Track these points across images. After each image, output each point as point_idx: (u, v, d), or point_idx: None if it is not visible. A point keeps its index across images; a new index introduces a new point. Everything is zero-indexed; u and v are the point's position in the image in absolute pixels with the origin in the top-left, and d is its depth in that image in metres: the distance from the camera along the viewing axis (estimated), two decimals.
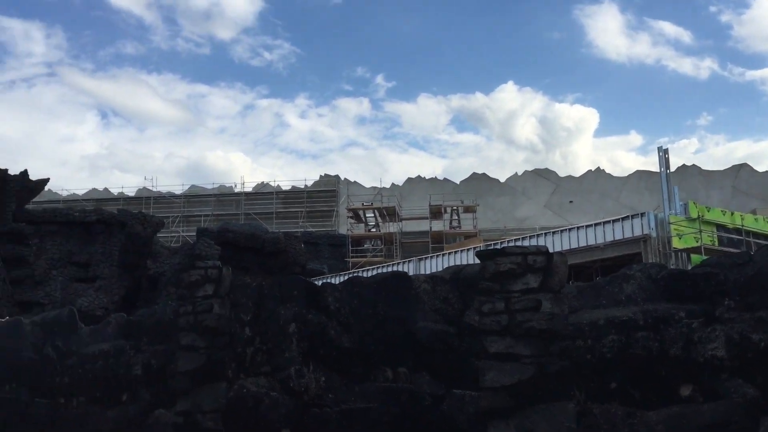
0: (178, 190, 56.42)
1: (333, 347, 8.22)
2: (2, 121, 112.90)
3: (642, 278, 7.20)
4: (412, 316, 7.92)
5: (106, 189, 57.39)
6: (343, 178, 55.31)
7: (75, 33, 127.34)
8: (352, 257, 41.06)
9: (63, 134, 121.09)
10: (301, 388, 8.17)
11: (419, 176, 55.85)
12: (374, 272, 31.83)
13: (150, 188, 56.46)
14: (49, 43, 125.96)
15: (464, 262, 29.95)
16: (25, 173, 32.38)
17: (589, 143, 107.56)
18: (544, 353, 6.80)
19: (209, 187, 56.35)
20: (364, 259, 41.05)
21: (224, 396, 8.53)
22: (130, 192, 56.52)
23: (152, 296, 31.59)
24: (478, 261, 7.47)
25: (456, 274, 8.18)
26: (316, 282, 10.12)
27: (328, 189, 53.86)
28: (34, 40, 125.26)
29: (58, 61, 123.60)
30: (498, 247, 7.79)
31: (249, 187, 55.39)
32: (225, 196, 54.32)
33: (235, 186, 55.86)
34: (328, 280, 24.80)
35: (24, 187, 32.42)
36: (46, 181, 34.01)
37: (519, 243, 27.87)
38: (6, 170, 31.61)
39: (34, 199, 35.46)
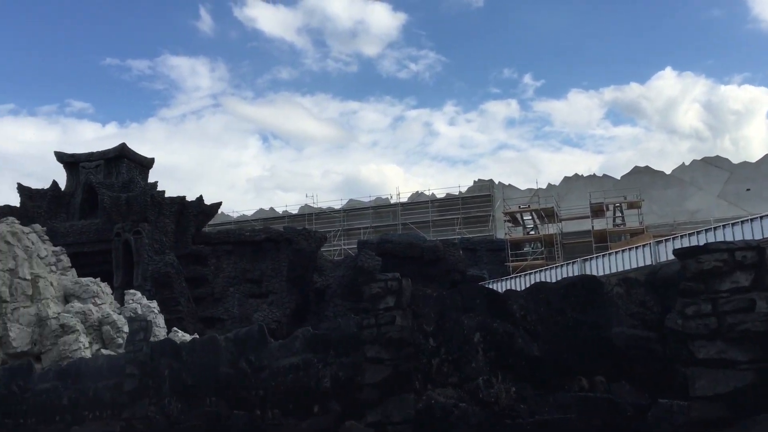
0: (337, 204, 58.38)
1: (522, 356, 8.05)
2: (176, 153, 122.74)
3: None
4: (606, 321, 7.58)
5: (271, 208, 60.43)
6: (497, 182, 54.66)
7: (235, 64, 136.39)
8: (512, 261, 40.37)
9: (230, 160, 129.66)
10: (491, 398, 8.07)
11: (576, 174, 53.96)
12: (537, 277, 31.06)
13: (311, 205, 58.87)
14: (213, 76, 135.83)
15: (634, 261, 28.50)
16: (200, 199, 34.82)
17: (762, 125, 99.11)
18: (763, 358, 6.22)
19: (366, 200, 57.77)
20: (525, 262, 40.22)
21: (413, 407, 8.56)
22: (293, 210, 59.19)
23: (320, 308, 32.85)
24: (673, 259, 7.15)
25: (652, 275, 7.77)
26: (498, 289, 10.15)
27: (483, 194, 53.40)
28: (199, 74, 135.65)
29: (221, 91, 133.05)
30: (700, 244, 7.21)
31: (404, 198, 56.19)
32: (382, 208, 55.40)
33: (391, 197, 56.84)
34: (490, 286, 24.45)
35: (200, 211, 34.88)
36: (218, 204, 36.43)
37: (695, 237, 26.10)
38: (184, 197, 34.21)
39: (209, 222, 38.09)
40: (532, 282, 19.12)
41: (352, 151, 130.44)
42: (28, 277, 18.46)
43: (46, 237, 21.68)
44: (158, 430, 11.15)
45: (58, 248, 22.01)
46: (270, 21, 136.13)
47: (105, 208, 31.76)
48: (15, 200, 36.12)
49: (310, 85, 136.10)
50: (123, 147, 35.28)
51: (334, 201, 59.74)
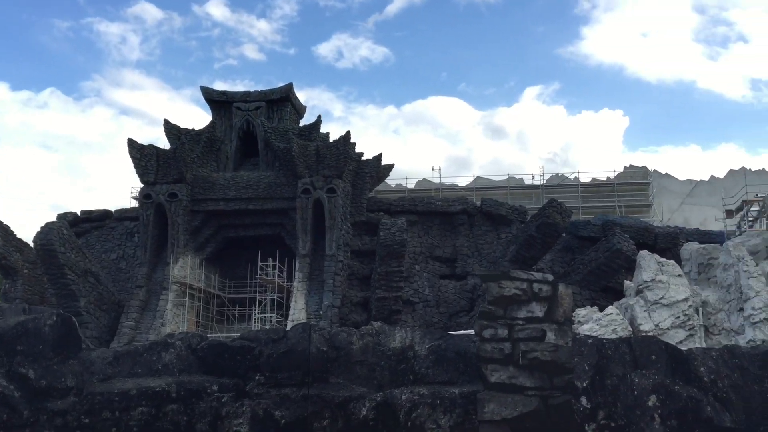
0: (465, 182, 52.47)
1: (711, 427, 7.12)
2: None
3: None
4: None
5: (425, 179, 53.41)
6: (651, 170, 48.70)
7: None
8: None
9: None
10: None
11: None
12: None
13: (431, 180, 53.09)
14: None
15: None
16: (378, 158, 29.42)
17: None
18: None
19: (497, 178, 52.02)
20: None
21: None
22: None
23: None
24: None
25: None
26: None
27: (639, 181, 47.50)
28: None
29: None
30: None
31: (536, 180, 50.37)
32: (516, 189, 49.73)
33: (533, 177, 51.08)
34: None
35: (376, 172, 29.50)
36: (391, 167, 30.93)
37: None
38: (361, 154, 28.77)
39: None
40: None
41: None
42: None
43: None
44: None
45: None
46: None
47: (284, 158, 26.40)
48: None
49: None
50: (290, 88, 29.90)
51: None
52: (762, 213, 26.96)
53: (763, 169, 47.02)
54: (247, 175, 27.79)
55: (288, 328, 9.92)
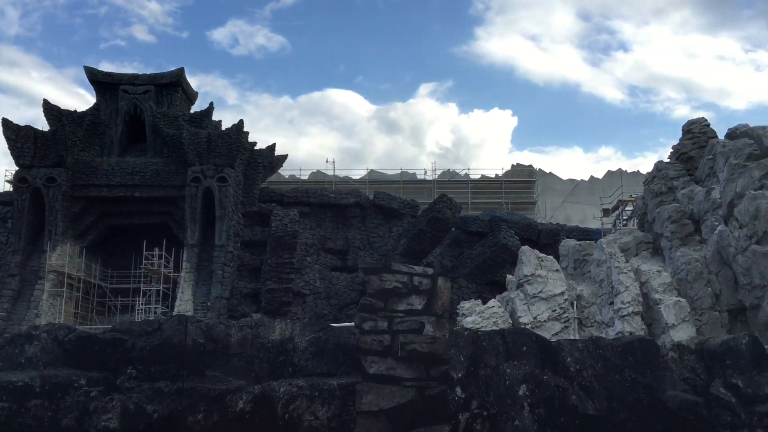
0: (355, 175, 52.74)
1: (576, 414, 7.52)
2: None
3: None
4: (661, 384, 7.77)
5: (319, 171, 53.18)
6: (537, 169, 50.65)
7: None
8: None
9: None
10: None
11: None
12: None
13: (325, 171, 53.08)
14: None
15: None
16: (272, 148, 29.06)
17: None
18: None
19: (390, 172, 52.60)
20: None
21: None
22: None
23: None
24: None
25: (701, 344, 8.36)
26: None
27: (524, 179, 49.32)
28: None
29: None
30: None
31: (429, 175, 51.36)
32: (410, 183, 50.52)
33: (425, 172, 51.79)
34: None
35: (270, 162, 29.13)
36: (285, 157, 30.67)
37: None
38: (254, 143, 28.32)
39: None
40: None
41: None
42: None
43: None
44: None
45: None
46: None
47: (173, 145, 25.55)
48: None
49: None
50: (181, 73, 28.96)
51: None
52: (635, 213, 28.65)
53: (638, 171, 49.99)
54: (134, 161, 26.73)
55: None
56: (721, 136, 19.30)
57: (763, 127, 17.30)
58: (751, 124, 18.08)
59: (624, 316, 15.81)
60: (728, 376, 7.72)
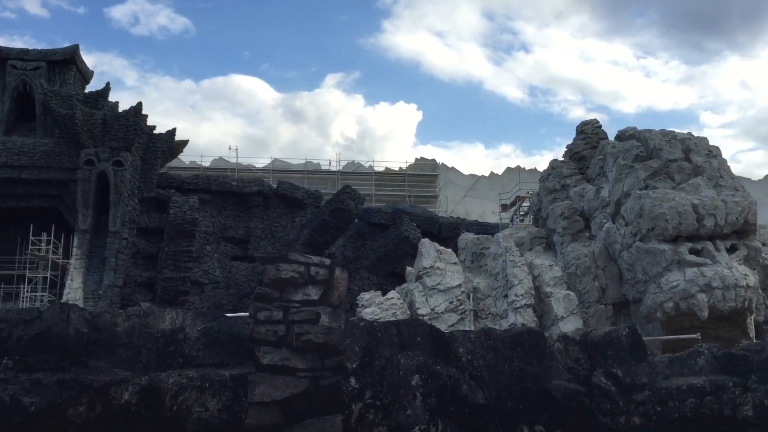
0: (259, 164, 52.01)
1: (466, 403, 7.73)
2: None
3: None
4: (547, 373, 8.08)
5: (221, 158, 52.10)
6: (440, 163, 51.48)
7: None
8: None
9: None
10: None
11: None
12: None
13: (228, 159, 52.09)
14: None
15: None
16: (172, 132, 28.11)
17: None
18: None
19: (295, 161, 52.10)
20: None
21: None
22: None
23: None
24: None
25: (584, 336, 8.72)
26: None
27: (428, 173, 50.09)
28: None
29: None
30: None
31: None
32: (314, 174, 50.30)
33: (330, 163, 51.60)
34: None
35: (169, 148, 28.20)
36: (185, 143, 29.67)
37: None
38: (153, 127, 27.33)
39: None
40: None
41: None
42: None
43: None
44: None
45: None
46: None
47: (65, 125, 24.27)
48: None
49: None
50: (76, 50, 27.57)
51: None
52: (531, 209, 29.68)
53: (535, 169, 51.86)
54: (21, 141, 25.24)
55: None
56: (611, 137, 20.24)
57: (650, 131, 18.29)
58: (639, 127, 19.07)
59: (517, 308, 16.35)
60: (609, 366, 8.06)
